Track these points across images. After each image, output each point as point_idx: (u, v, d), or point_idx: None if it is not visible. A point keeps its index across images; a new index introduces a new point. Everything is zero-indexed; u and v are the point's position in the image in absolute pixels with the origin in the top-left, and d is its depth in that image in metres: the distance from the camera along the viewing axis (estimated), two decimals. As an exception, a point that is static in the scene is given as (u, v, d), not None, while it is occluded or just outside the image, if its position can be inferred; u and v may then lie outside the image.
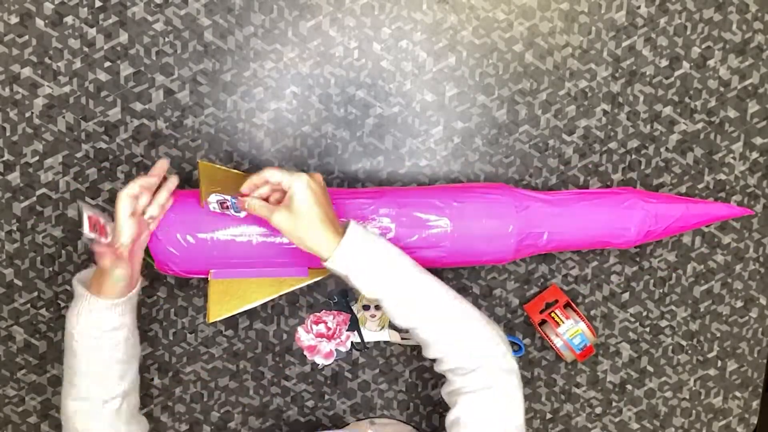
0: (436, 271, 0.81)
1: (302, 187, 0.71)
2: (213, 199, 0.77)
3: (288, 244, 0.79)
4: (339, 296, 0.95)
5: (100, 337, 0.73)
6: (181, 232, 0.79)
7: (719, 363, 1.02)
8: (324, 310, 0.95)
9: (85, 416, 0.74)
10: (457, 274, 0.96)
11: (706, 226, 0.98)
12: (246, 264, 0.81)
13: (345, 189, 0.88)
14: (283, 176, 0.72)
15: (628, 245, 0.89)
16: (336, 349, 0.95)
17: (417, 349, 0.97)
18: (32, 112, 0.90)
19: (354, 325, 0.95)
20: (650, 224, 0.87)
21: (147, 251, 0.80)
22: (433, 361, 0.78)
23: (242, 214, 0.77)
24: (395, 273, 0.74)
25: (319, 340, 0.95)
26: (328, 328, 0.95)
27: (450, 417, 0.74)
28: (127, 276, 0.74)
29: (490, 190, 0.86)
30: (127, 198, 0.74)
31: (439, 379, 0.98)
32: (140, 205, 0.76)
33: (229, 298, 0.80)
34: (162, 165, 0.78)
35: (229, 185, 0.78)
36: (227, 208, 0.77)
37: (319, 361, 0.95)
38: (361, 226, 0.75)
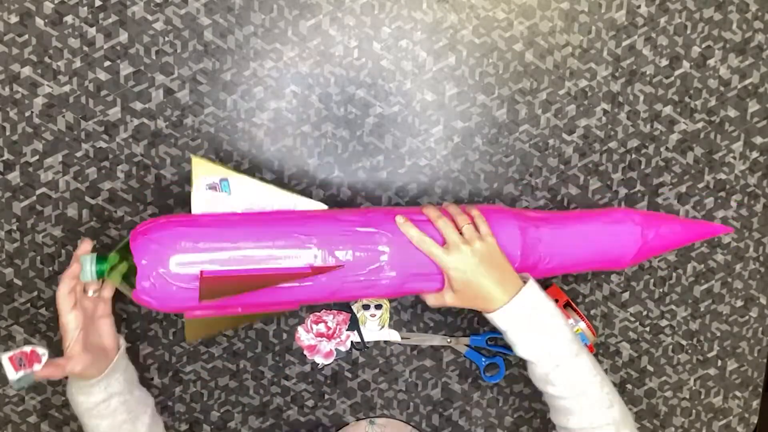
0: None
1: (453, 269, 0.74)
2: (203, 182, 0.76)
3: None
4: None
5: (96, 408, 0.77)
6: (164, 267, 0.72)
7: (719, 362, 1.02)
8: (324, 310, 0.95)
9: None
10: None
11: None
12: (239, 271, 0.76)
13: (345, 210, 0.83)
14: (438, 253, 0.74)
15: (622, 267, 0.88)
16: (336, 349, 0.95)
17: (417, 348, 0.98)
18: (32, 112, 0.90)
19: (354, 324, 0.95)
20: (644, 248, 0.86)
21: (128, 279, 0.74)
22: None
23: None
24: (556, 343, 0.74)
25: (319, 340, 0.95)
26: (328, 328, 0.95)
27: None
28: (90, 365, 0.75)
29: (492, 214, 0.82)
30: (64, 297, 0.75)
31: (439, 379, 0.98)
32: (78, 292, 0.77)
33: (205, 322, 0.78)
34: (84, 248, 0.78)
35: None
36: (215, 188, 0.77)
37: (319, 360, 0.95)
38: (537, 286, 0.75)
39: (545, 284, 0.97)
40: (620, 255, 0.85)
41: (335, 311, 0.95)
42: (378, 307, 0.95)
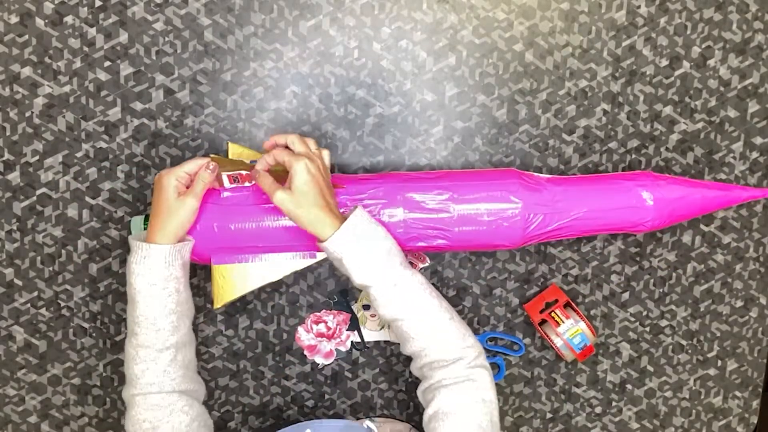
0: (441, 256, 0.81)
1: (301, 170, 0.74)
2: (225, 177, 0.80)
3: (293, 225, 0.80)
4: (339, 296, 0.95)
5: (155, 284, 0.76)
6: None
7: (719, 363, 1.02)
8: (324, 310, 0.95)
9: (142, 362, 0.77)
10: (457, 273, 0.96)
11: (706, 225, 0.98)
12: (252, 248, 0.82)
13: (352, 175, 0.88)
14: (287, 157, 0.75)
15: (643, 230, 0.87)
16: (336, 349, 0.95)
17: (417, 348, 0.98)
18: (32, 112, 0.90)
19: (354, 324, 0.95)
20: (666, 206, 0.86)
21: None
22: (409, 359, 0.80)
23: (250, 183, 0.80)
24: (388, 264, 0.76)
25: (320, 340, 0.95)
26: (329, 328, 0.95)
27: (428, 412, 0.75)
28: (194, 212, 0.77)
29: (497, 176, 0.85)
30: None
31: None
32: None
33: (232, 283, 0.82)
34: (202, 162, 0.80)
35: (237, 169, 0.81)
36: (236, 181, 0.80)
37: (320, 360, 0.95)
38: (366, 213, 0.77)
39: (544, 284, 0.97)
40: (639, 213, 0.85)
41: (335, 311, 0.95)
42: None
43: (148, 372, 0.77)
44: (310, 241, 0.81)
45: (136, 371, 0.77)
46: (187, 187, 0.78)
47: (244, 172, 0.80)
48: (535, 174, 0.87)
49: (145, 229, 0.84)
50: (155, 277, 0.76)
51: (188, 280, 0.80)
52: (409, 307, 0.77)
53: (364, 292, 0.87)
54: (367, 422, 0.78)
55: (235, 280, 0.82)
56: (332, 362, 0.97)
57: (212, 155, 0.80)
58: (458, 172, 0.86)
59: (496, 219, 0.83)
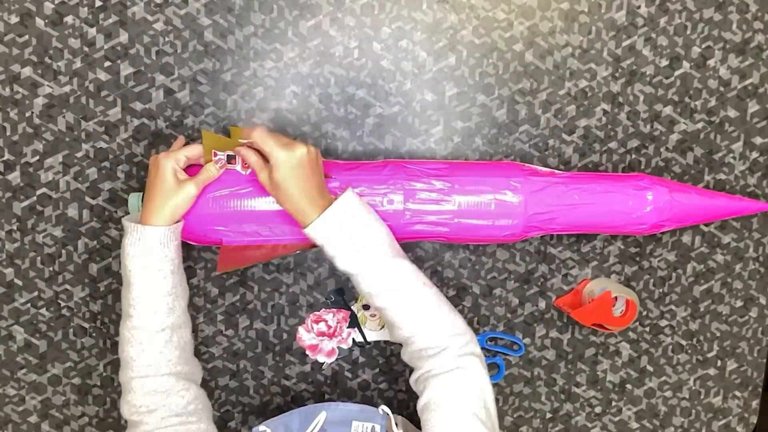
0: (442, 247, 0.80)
1: (280, 162, 0.74)
2: (219, 156, 0.80)
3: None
4: (335, 295, 0.95)
5: (150, 266, 0.76)
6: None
7: (719, 362, 1.02)
8: (323, 309, 0.95)
9: (138, 344, 0.77)
10: (457, 273, 0.96)
11: (706, 225, 0.98)
12: (257, 233, 0.83)
13: (352, 162, 0.88)
14: (269, 146, 0.75)
15: (641, 232, 0.88)
16: (338, 347, 0.95)
17: (417, 348, 0.98)
18: (32, 112, 0.90)
19: (354, 322, 0.95)
20: (666, 209, 0.86)
21: None
22: (401, 347, 0.80)
23: (247, 171, 0.80)
24: (373, 250, 0.76)
25: (321, 339, 0.95)
26: (329, 327, 0.95)
27: (421, 402, 0.74)
28: (192, 199, 0.78)
29: (498, 167, 0.86)
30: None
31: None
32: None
33: (236, 257, 0.82)
34: (179, 142, 0.82)
35: (230, 148, 0.81)
36: (233, 163, 0.80)
37: (322, 359, 0.95)
38: (356, 197, 0.77)
39: (544, 284, 0.97)
40: (639, 214, 0.86)
41: (335, 310, 0.95)
42: None
43: (144, 354, 0.77)
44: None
45: (132, 353, 0.77)
46: (185, 171, 0.78)
47: (229, 154, 0.80)
48: (537, 167, 0.88)
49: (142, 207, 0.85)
50: (150, 258, 0.76)
51: (182, 262, 0.80)
52: (395, 295, 0.76)
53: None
54: (383, 407, 0.78)
55: (240, 255, 0.82)
56: (334, 361, 0.97)
57: (203, 130, 0.80)
58: (460, 163, 0.87)
59: (497, 209, 0.83)
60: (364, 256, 0.76)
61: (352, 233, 0.76)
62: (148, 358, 0.77)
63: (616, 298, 0.94)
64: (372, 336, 0.96)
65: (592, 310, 0.92)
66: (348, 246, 0.76)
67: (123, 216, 0.92)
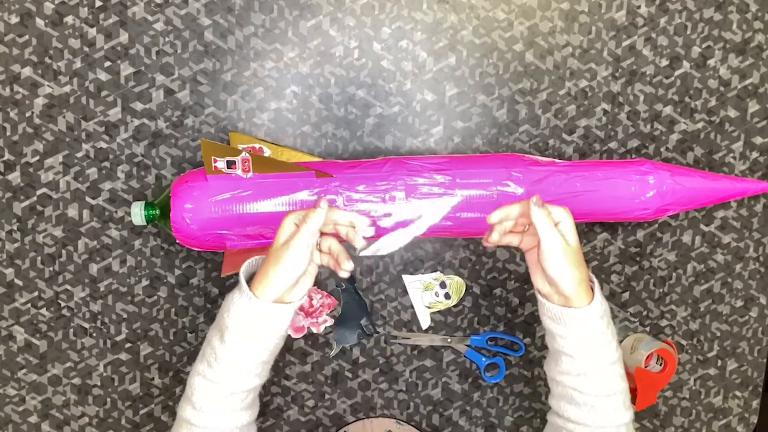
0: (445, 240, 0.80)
1: (565, 231, 0.69)
2: (220, 164, 0.80)
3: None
4: (347, 283, 0.94)
5: (253, 338, 0.70)
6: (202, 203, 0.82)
7: (719, 362, 1.02)
8: (314, 287, 0.92)
9: (210, 397, 0.71)
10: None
11: (706, 225, 0.98)
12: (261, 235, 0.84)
13: (352, 161, 0.88)
14: (545, 217, 0.68)
15: (646, 217, 0.87)
16: (308, 328, 0.94)
17: (417, 348, 0.98)
18: (32, 112, 0.90)
19: (363, 311, 0.94)
20: (668, 193, 0.86)
21: (167, 222, 0.83)
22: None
23: (248, 175, 0.81)
24: (609, 347, 0.72)
25: (297, 313, 0.93)
26: (311, 305, 0.94)
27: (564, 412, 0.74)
28: (299, 260, 0.69)
29: (498, 160, 0.86)
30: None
31: (439, 379, 0.99)
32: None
33: (240, 259, 0.80)
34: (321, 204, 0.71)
35: (229, 154, 0.81)
36: (232, 168, 0.81)
37: (289, 332, 0.92)
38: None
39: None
40: (642, 199, 0.85)
41: (326, 293, 0.94)
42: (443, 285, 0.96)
43: (215, 412, 0.71)
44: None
45: (201, 402, 0.71)
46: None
47: (238, 157, 0.80)
48: (538, 157, 0.88)
49: (147, 216, 0.85)
50: (255, 328, 0.70)
51: (286, 332, 0.74)
52: (596, 389, 0.73)
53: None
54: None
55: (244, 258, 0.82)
56: (299, 338, 0.95)
57: (202, 139, 0.80)
58: (460, 156, 0.87)
59: (499, 201, 0.83)
60: (595, 349, 0.71)
61: (607, 323, 0.72)
62: (218, 416, 0.71)
63: (649, 356, 0.94)
64: (391, 244, 0.87)
65: (643, 389, 0.93)
66: (606, 337, 0.71)
67: (123, 216, 0.92)
